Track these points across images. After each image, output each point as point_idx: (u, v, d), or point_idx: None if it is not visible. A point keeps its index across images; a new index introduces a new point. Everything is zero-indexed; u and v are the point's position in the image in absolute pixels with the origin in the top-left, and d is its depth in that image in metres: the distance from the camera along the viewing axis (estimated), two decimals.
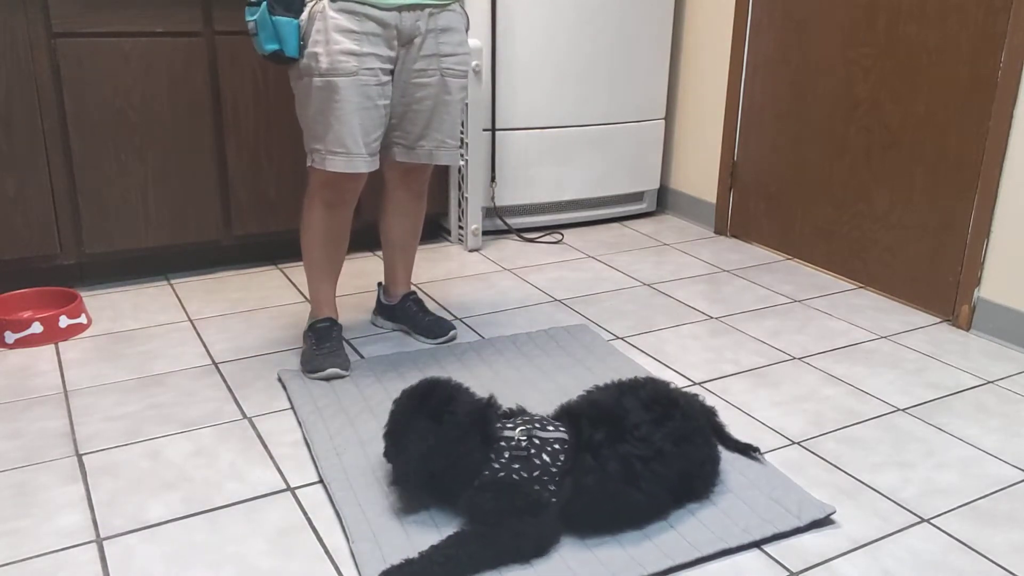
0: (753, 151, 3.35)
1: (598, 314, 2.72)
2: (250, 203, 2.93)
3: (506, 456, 1.62)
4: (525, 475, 1.60)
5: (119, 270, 2.90)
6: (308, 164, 2.15)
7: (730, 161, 3.44)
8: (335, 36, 2.00)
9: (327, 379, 2.21)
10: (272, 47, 2.02)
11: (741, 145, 3.40)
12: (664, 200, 3.81)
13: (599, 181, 3.56)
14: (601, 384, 1.86)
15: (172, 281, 2.91)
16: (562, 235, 3.47)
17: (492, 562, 1.54)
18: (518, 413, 1.77)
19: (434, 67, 2.14)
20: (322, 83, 2.03)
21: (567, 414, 1.74)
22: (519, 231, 3.46)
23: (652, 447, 1.65)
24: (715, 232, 3.55)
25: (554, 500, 1.61)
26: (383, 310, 2.57)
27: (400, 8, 2.04)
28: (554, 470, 1.61)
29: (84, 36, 2.58)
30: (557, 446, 1.64)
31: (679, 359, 2.42)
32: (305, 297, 2.79)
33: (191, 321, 2.61)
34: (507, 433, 1.66)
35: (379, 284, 2.60)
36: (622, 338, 2.55)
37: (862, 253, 2.98)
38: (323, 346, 2.27)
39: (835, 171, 3.03)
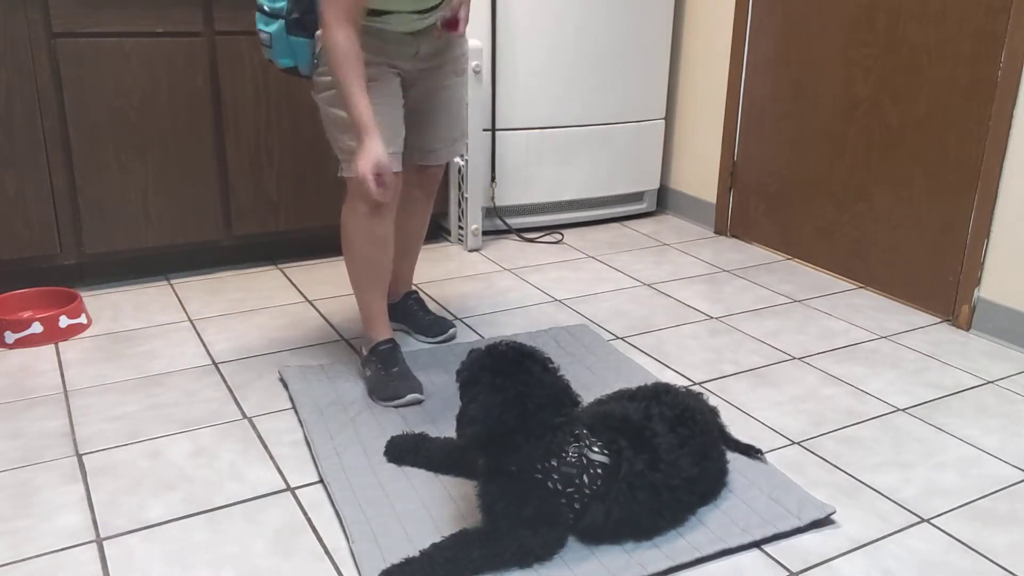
0: (753, 151, 3.35)
1: (598, 314, 2.72)
2: (250, 203, 2.93)
3: (552, 463, 1.57)
4: (560, 488, 1.57)
5: (119, 270, 2.90)
6: (340, 174, 2.12)
7: (730, 161, 3.44)
8: None
9: (407, 405, 2.10)
10: (287, 63, 2.07)
11: (741, 145, 3.40)
12: (664, 200, 3.81)
13: (599, 181, 3.56)
14: (618, 391, 1.85)
15: (172, 281, 2.91)
16: (562, 235, 3.47)
17: (493, 566, 1.54)
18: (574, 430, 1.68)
19: (449, 69, 2.20)
20: None
21: (597, 426, 1.67)
22: (519, 231, 3.46)
23: (680, 475, 1.64)
24: (715, 232, 3.55)
25: (571, 516, 1.59)
26: None
27: (416, 33, 2.06)
28: (586, 492, 1.59)
29: (84, 36, 2.58)
30: (600, 471, 1.60)
31: (679, 359, 2.42)
32: (305, 297, 2.79)
33: (191, 321, 2.61)
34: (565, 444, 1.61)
35: None
36: (622, 338, 2.55)
37: (862, 253, 2.98)
38: (391, 370, 2.16)
39: (835, 171, 3.03)
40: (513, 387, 1.53)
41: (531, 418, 1.53)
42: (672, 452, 1.65)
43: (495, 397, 1.53)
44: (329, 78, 2.00)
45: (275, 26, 2.02)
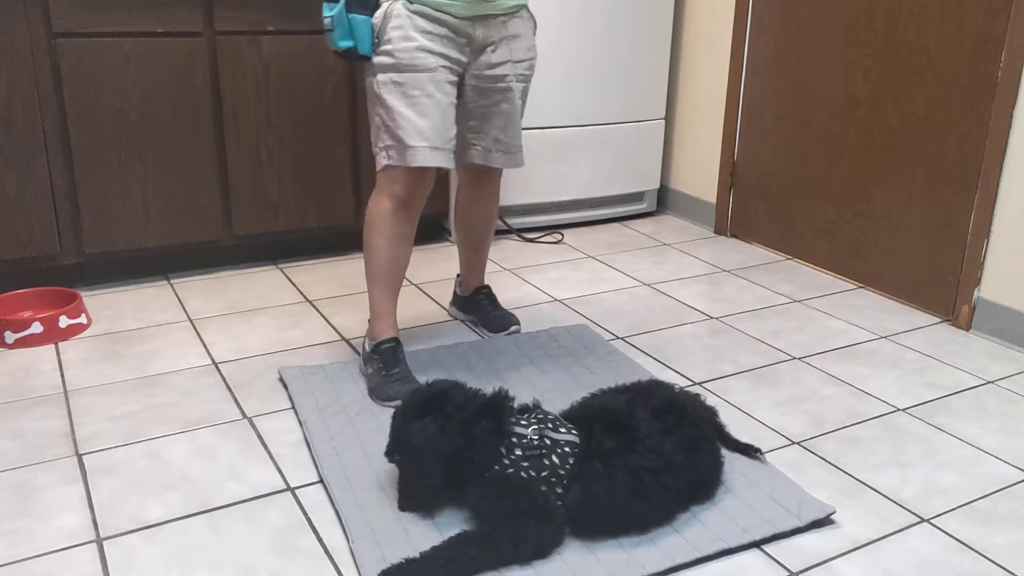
0: (753, 151, 3.35)
1: (598, 314, 2.72)
2: (250, 203, 2.93)
3: (517, 453, 1.61)
4: (534, 474, 1.60)
5: (119, 270, 2.90)
6: (383, 164, 2.10)
7: (730, 161, 3.44)
8: (413, 34, 2.01)
9: None
10: (346, 44, 2.04)
11: (741, 145, 3.40)
12: (664, 200, 3.81)
13: (599, 181, 3.56)
14: (609, 386, 1.86)
15: (172, 281, 2.91)
16: (562, 235, 3.47)
17: (493, 565, 1.54)
18: (531, 409, 1.74)
19: (511, 73, 2.18)
20: (401, 79, 2.03)
21: (579, 416, 1.72)
22: (519, 231, 3.46)
23: (662, 459, 1.64)
24: (715, 232, 3.55)
25: (560, 504, 1.60)
26: (457, 300, 2.64)
27: (473, 18, 2.06)
28: (562, 472, 1.61)
29: (84, 36, 2.58)
30: (568, 449, 1.63)
31: (679, 359, 2.42)
32: (305, 297, 2.79)
33: (191, 321, 2.61)
34: (519, 430, 1.65)
35: (457, 275, 2.64)
36: (622, 338, 2.55)
37: (862, 253, 2.98)
38: (392, 371, 2.16)
39: (835, 171, 3.03)
40: (437, 424, 1.63)
41: (469, 444, 1.62)
42: (653, 437, 1.65)
43: (424, 434, 1.63)
44: (384, 59, 2.04)
45: (337, 8, 2.02)
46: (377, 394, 2.14)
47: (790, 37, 3.12)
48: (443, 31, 2.04)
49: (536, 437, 1.63)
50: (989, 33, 2.49)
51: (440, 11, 2.03)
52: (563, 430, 1.66)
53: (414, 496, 1.71)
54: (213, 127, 2.82)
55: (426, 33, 2.03)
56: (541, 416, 1.69)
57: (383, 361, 2.18)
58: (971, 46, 2.54)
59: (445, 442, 1.62)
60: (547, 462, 1.61)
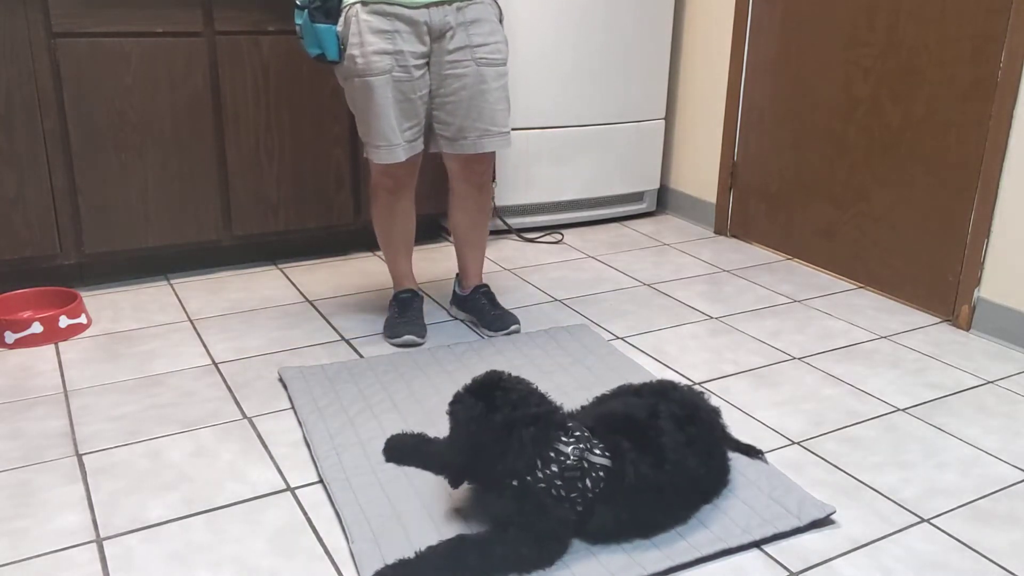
0: (753, 151, 3.35)
1: (598, 314, 2.72)
2: (250, 203, 2.93)
3: (553, 469, 1.56)
4: (564, 494, 1.56)
5: (119, 270, 2.90)
6: (366, 156, 2.34)
7: (730, 161, 3.44)
8: (369, 38, 2.14)
9: (403, 345, 2.42)
10: (315, 51, 2.21)
11: (741, 145, 3.40)
12: (664, 200, 3.81)
13: (599, 181, 3.56)
14: (622, 385, 1.85)
15: (172, 281, 2.91)
16: (562, 235, 3.47)
17: (488, 572, 1.53)
18: (571, 426, 1.67)
19: (467, 58, 2.23)
20: (360, 83, 2.19)
21: (600, 423, 1.67)
22: (519, 231, 3.46)
23: (686, 475, 1.64)
24: (715, 232, 3.55)
25: (573, 519, 1.59)
26: (456, 300, 2.66)
27: (427, 5, 2.15)
28: (590, 495, 1.58)
29: (84, 36, 2.58)
30: (601, 473, 1.59)
31: (679, 359, 2.42)
32: (305, 297, 2.80)
33: (191, 321, 2.61)
34: (560, 447, 1.59)
35: (456, 275, 2.67)
36: (622, 338, 2.55)
37: (862, 253, 2.98)
38: (404, 315, 2.49)
39: (835, 171, 3.03)
40: (479, 404, 1.58)
41: (509, 430, 1.56)
42: (679, 451, 1.64)
43: (464, 419, 1.59)
44: (347, 64, 2.18)
45: (303, 17, 2.17)
46: (386, 332, 2.48)
47: (790, 37, 3.12)
48: (399, 26, 2.15)
49: (575, 458, 1.58)
50: (989, 33, 2.49)
51: (392, 3, 2.12)
52: (598, 452, 1.61)
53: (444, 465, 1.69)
54: (213, 127, 2.82)
55: (381, 33, 2.14)
56: (579, 434, 1.63)
57: (399, 307, 2.52)
58: (971, 46, 2.54)
59: (485, 428, 1.56)
60: (580, 485, 1.57)
